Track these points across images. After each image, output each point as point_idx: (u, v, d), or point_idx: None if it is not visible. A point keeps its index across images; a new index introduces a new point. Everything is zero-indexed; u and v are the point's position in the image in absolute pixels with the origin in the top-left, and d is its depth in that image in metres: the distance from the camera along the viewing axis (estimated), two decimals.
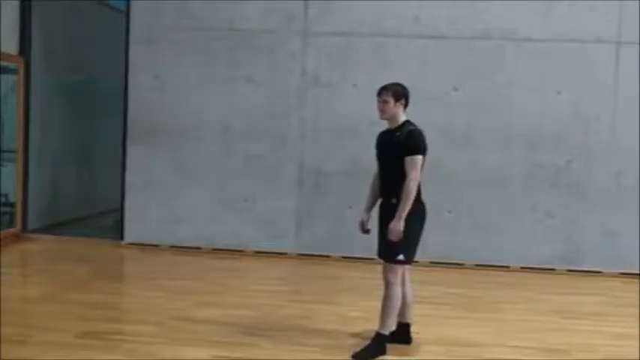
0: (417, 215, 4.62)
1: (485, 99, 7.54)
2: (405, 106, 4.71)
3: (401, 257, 4.54)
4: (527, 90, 7.50)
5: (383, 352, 4.58)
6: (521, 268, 7.52)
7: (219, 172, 7.91)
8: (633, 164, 7.36)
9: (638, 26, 7.31)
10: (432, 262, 7.42)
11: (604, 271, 7.44)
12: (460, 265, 7.59)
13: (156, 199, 7.99)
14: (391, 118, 4.69)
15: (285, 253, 7.81)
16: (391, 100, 4.65)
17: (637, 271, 7.34)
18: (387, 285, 4.58)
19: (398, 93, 4.67)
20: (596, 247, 7.48)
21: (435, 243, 7.36)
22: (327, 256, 7.76)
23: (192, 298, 5.93)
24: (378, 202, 4.80)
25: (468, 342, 4.98)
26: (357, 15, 7.65)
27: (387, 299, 4.58)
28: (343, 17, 7.68)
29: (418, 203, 4.64)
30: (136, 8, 7.89)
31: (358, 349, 4.59)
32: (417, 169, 4.56)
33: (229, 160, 7.89)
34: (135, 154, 7.98)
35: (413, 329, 4.85)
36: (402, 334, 4.82)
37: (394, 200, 4.56)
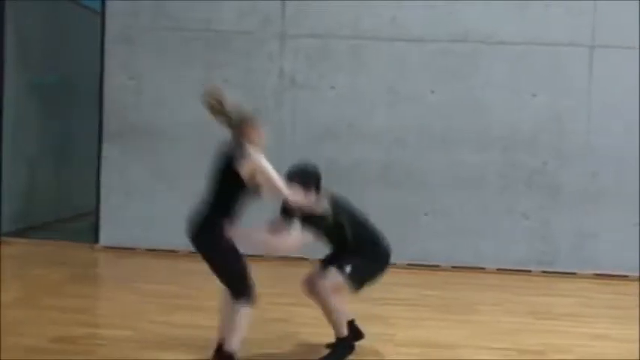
0: (379, 258, 4.59)
1: (462, 101, 7.59)
2: (317, 189, 4.45)
3: (348, 269, 4.46)
4: (504, 92, 7.56)
5: (351, 350, 4.55)
6: (498, 269, 7.57)
7: (196, 173, 7.81)
8: (607, 166, 7.45)
9: (610, 30, 7.41)
10: (408, 264, 7.45)
11: (579, 272, 7.52)
12: (437, 267, 7.62)
13: (131, 201, 7.92)
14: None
15: (262, 255, 7.77)
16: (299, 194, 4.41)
17: (611, 273, 7.43)
18: (323, 295, 4.46)
19: (307, 182, 4.42)
20: (572, 248, 7.56)
21: (412, 245, 7.41)
22: (306, 258, 7.73)
23: (169, 301, 5.89)
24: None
25: (444, 343, 5.01)
26: (334, 17, 7.66)
27: (331, 312, 4.49)
28: (320, 19, 7.68)
29: (382, 248, 4.60)
30: (111, 8, 7.83)
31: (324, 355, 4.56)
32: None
33: (206, 162, 7.81)
34: (110, 156, 7.91)
35: (389, 331, 4.86)
36: (354, 333, 4.71)
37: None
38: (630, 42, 7.38)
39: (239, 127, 4.34)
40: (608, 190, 7.47)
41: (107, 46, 7.87)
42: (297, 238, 4.36)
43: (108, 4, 7.84)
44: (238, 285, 4.24)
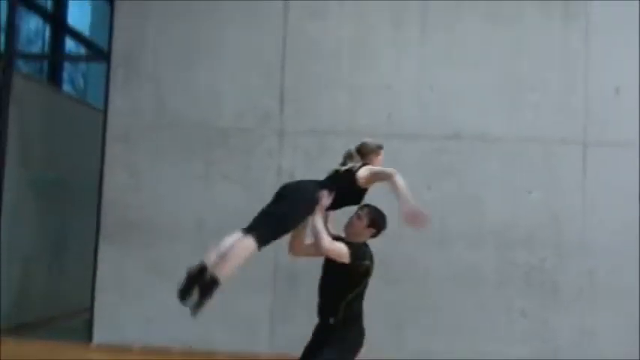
0: (354, 342, 4.49)
1: (458, 198, 7.65)
2: (374, 236, 4.63)
3: None
4: (499, 189, 7.63)
5: None
6: None
7: None
8: (605, 263, 7.42)
9: (601, 128, 7.58)
10: None
11: None
12: None
13: (127, 299, 7.83)
14: (352, 236, 4.58)
15: (259, 354, 7.63)
16: (364, 222, 4.58)
17: None
18: None
19: (375, 222, 4.60)
20: (573, 346, 7.42)
21: (411, 342, 7.28)
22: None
23: None
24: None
25: None
26: (331, 114, 7.83)
27: None
28: (318, 116, 7.85)
29: (359, 328, 4.53)
30: (113, 106, 8.00)
31: None
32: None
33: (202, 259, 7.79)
34: (107, 253, 7.88)
35: None
36: None
37: (332, 320, 4.44)
38: (622, 139, 7.53)
39: (367, 155, 4.71)
40: (607, 287, 7.42)
41: (108, 143, 7.99)
42: (338, 246, 4.39)
43: (110, 101, 8.02)
44: (267, 229, 4.25)
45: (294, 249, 4.69)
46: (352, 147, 4.80)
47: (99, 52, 11.32)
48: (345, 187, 4.48)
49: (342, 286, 4.44)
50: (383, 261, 7.48)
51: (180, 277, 7.78)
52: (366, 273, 4.49)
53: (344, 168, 4.62)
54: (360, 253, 4.46)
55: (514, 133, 7.67)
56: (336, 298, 4.46)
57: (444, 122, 7.73)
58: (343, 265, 4.41)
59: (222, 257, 4.13)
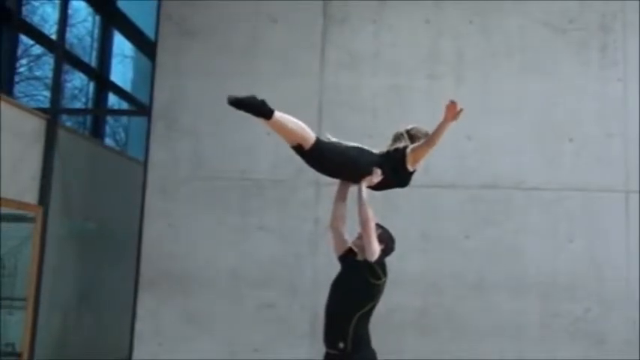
0: None
1: (497, 247, 7.55)
2: (383, 254, 4.65)
3: None
4: (539, 238, 7.51)
5: None
6: None
7: (229, 320, 7.79)
8: None
9: None
10: None
11: None
12: None
13: (164, 349, 7.82)
14: (360, 248, 4.64)
15: None
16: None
17: None
18: None
19: (382, 238, 4.69)
20: None
21: None
22: None
23: None
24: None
25: None
26: None
27: None
28: None
29: (371, 352, 4.48)
30: (153, 159, 8.15)
31: None
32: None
33: (240, 309, 7.80)
34: (145, 302, 7.92)
35: None
36: None
37: (342, 345, 4.34)
38: None
39: (416, 138, 4.88)
40: None
41: (148, 194, 8.11)
42: (373, 230, 4.53)
43: (151, 155, 8.17)
44: (330, 144, 4.64)
45: (335, 221, 4.89)
46: (402, 129, 4.99)
47: (140, 107, 11.62)
48: (392, 168, 4.64)
49: (354, 300, 4.38)
50: (421, 311, 7.46)
51: (216, 328, 7.79)
52: (380, 289, 4.45)
53: (393, 147, 4.78)
54: (384, 263, 4.51)
55: (553, 181, 7.58)
56: (346, 314, 4.37)
57: (482, 171, 7.69)
58: (359, 276, 4.39)
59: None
